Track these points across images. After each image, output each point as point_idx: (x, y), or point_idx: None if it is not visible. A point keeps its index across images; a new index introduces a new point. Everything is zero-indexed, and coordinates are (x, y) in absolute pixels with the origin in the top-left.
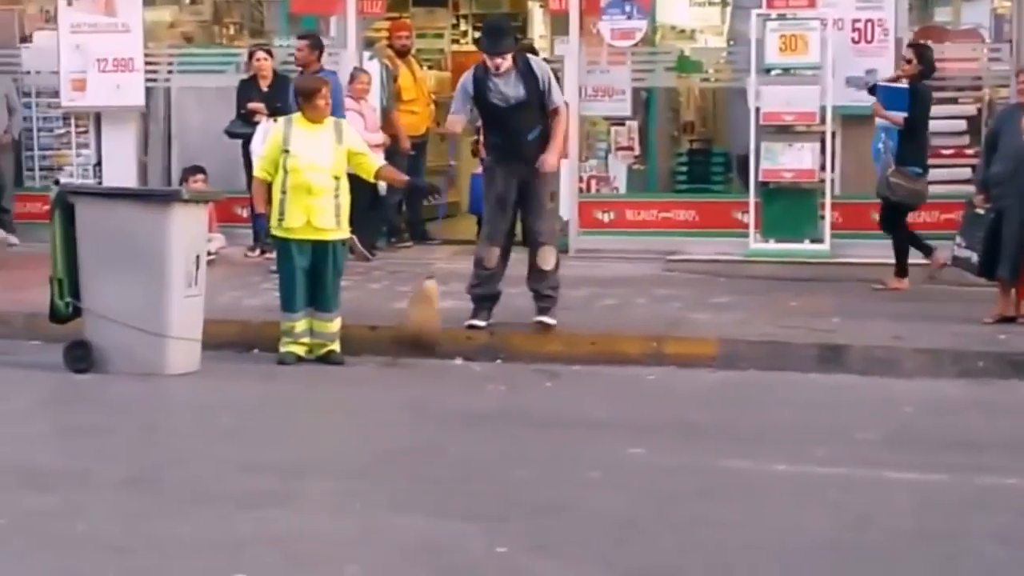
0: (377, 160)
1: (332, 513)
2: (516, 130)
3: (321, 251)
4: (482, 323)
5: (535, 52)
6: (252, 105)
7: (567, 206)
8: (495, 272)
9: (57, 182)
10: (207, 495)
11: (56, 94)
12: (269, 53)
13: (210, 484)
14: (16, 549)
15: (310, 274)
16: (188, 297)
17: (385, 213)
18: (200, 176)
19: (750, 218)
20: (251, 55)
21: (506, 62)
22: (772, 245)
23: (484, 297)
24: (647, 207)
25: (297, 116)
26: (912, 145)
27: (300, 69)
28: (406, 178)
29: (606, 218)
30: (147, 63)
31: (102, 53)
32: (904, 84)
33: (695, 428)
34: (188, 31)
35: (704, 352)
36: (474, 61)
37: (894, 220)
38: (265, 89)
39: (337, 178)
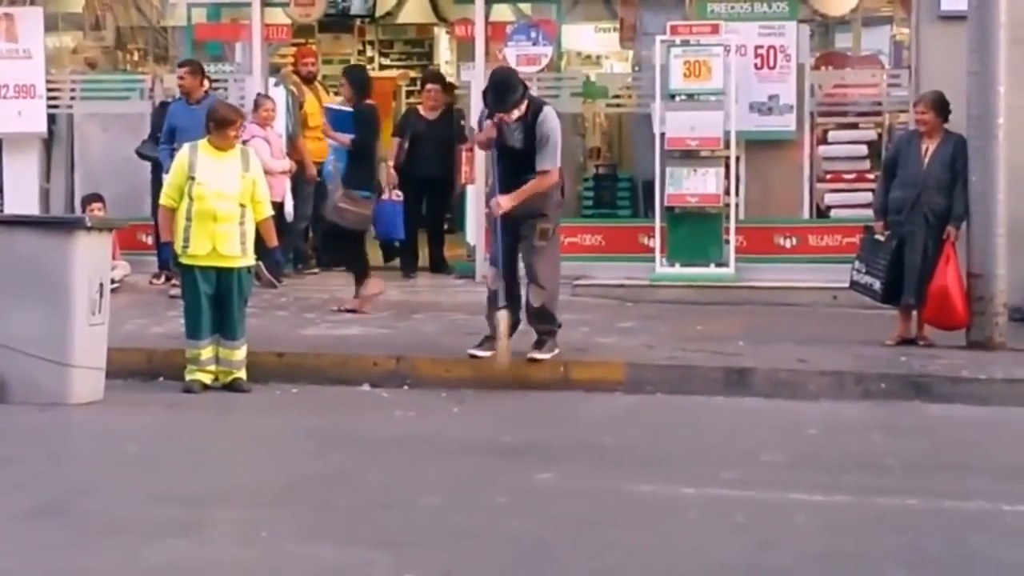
0: (267, 211)
1: (239, 543)
2: (515, 168)
3: (226, 278)
4: (483, 353)
5: (439, 79)
6: None
7: (474, 231)
8: (498, 293)
9: None
10: (113, 525)
11: None
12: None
13: (116, 514)
14: None
15: (215, 301)
16: (92, 325)
17: (292, 239)
18: (98, 204)
19: (656, 242)
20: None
21: (516, 113)
22: (678, 269)
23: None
24: None
25: (203, 143)
26: (360, 167)
27: (184, 96)
28: (275, 243)
29: None
30: (49, 89)
31: (3, 79)
32: (348, 107)
33: (603, 452)
34: (91, 57)
35: (611, 377)
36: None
37: (351, 248)
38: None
39: (243, 205)
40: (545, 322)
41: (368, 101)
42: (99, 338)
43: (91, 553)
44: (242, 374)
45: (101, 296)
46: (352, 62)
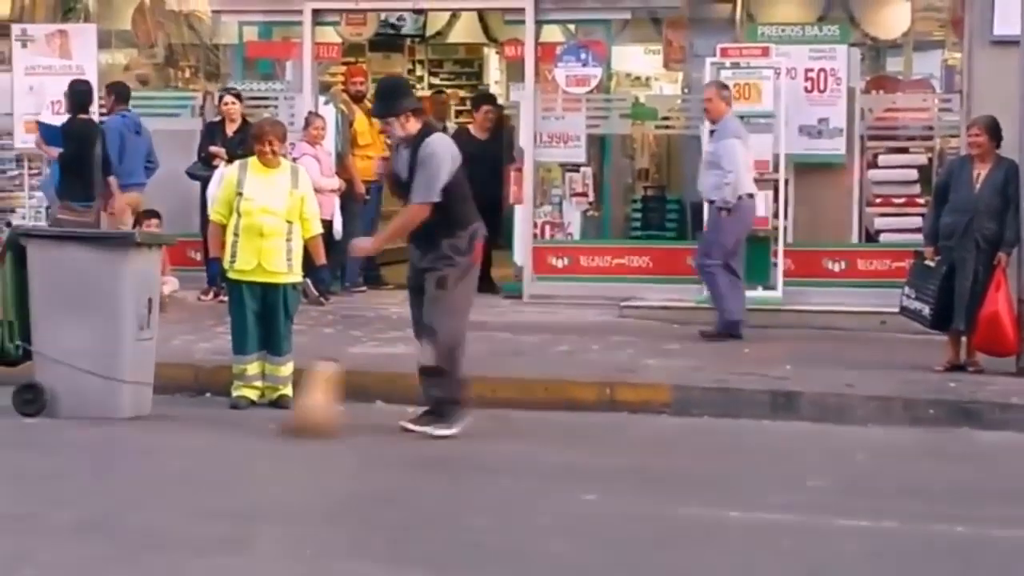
0: (315, 228)
1: (284, 560)
2: (406, 204)
3: (272, 294)
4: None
5: (492, 100)
6: (213, 149)
7: (522, 252)
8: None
9: (9, 224)
10: (160, 541)
11: (9, 135)
12: (238, 97)
13: (163, 530)
14: None
15: (261, 317)
16: (140, 341)
17: (340, 257)
18: (155, 220)
19: None
20: (220, 98)
21: (398, 130)
22: None
23: (441, 400)
24: (601, 253)
25: (253, 160)
26: (74, 180)
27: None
28: (323, 260)
29: (560, 264)
30: (101, 106)
31: (56, 95)
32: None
33: (648, 475)
34: (143, 74)
35: (657, 398)
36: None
37: None
38: (231, 133)
39: (290, 222)
40: (434, 386)
41: (83, 116)
42: (147, 353)
43: (138, 569)
44: (288, 391)
45: (150, 311)
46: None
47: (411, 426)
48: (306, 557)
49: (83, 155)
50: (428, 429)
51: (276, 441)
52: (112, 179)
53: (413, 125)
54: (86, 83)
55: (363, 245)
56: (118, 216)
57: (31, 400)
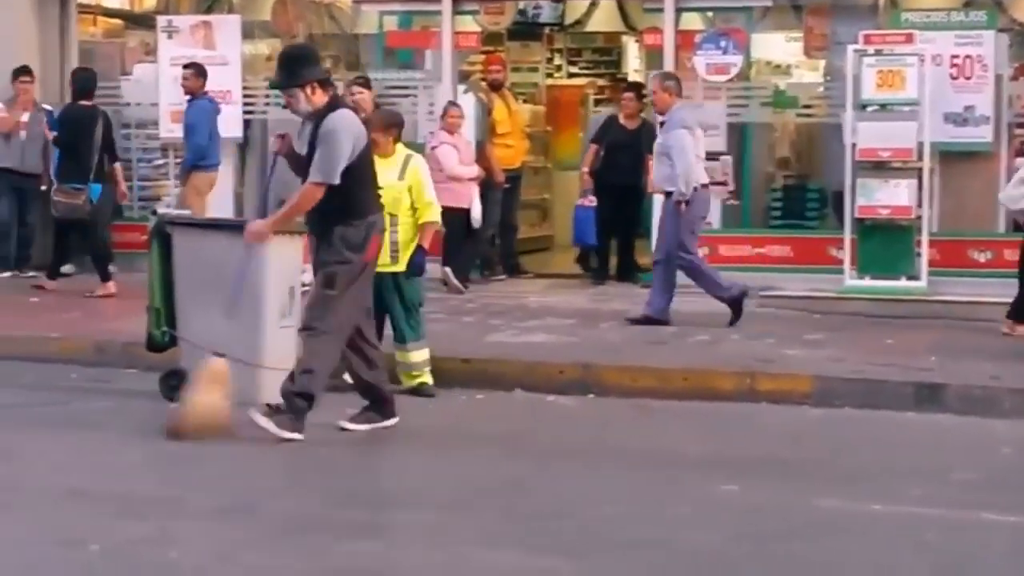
0: (430, 215)
1: (423, 546)
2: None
3: (378, 283)
4: (357, 425)
5: (636, 87)
6: None
7: None
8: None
9: (155, 212)
10: (300, 526)
11: (155, 125)
12: (366, 85)
13: (303, 515)
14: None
15: (381, 306)
16: (282, 328)
17: (479, 246)
18: None
19: (845, 254)
20: (348, 87)
21: (303, 103)
22: (868, 282)
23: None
24: (741, 243)
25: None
26: (71, 163)
27: (188, 97)
28: (426, 245)
29: (700, 253)
30: (245, 95)
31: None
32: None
33: (789, 466)
34: None
35: (798, 389)
36: (569, 95)
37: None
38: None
39: (392, 214)
40: (295, 384)
41: (84, 102)
42: (288, 340)
43: (278, 553)
44: (427, 378)
45: (291, 299)
46: (540, 71)
47: (255, 416)
48: (444, 544)
49: (78, 140)
50: (265, 422)
51: (413, 428)
52: (116, 165)
53: (320, 98)
54: (88, 70)
55: (255, 228)
56: (188, 200)
57: (177, 385)
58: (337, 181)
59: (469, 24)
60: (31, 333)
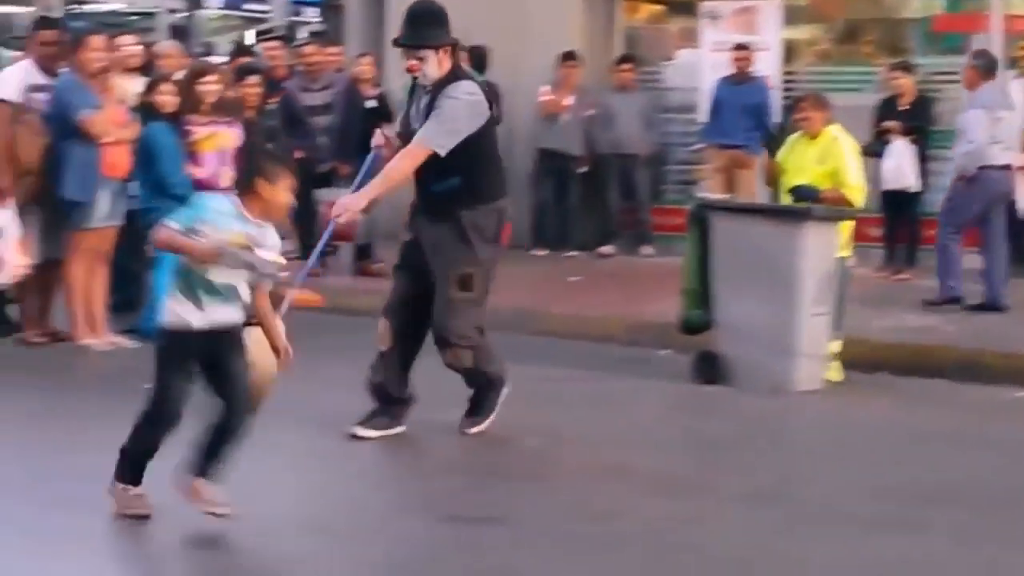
0: (854, 198)
1: (958, 545)
2: (419, 173)
3: None
4: (372, 432)
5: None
6: (886, 123)
7: None
8: (388, 357)
9: (694, 197)
10: (830, 516)
11: (694, 111)
12: (907, 70)
13: (834, 505)
14: (635, 552)
15: None
16: (815, 315)
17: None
18: None
19: None
20: (889, 72)
21: (433, 68)
22: None
23: (379, 393)
24: None
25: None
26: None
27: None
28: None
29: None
30: (784, 81)
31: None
32: None
33: None
34: (825, 49)
35: None
36: None
37: None
38: (903, 108)
39: None
40: (474, 380)
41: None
42: (821, 327)
43: (807, 542)
44: (833, 373)
45: (827, 286)
46: None
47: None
48: (976, 544)
49: None
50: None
51: (954, 423)
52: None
53: (447, 65)
54: (481, 48)
55: (348, 203)
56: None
57: (709, 369)
58: (443, 153)
59: (1021, 7)
60: (568, 313)
